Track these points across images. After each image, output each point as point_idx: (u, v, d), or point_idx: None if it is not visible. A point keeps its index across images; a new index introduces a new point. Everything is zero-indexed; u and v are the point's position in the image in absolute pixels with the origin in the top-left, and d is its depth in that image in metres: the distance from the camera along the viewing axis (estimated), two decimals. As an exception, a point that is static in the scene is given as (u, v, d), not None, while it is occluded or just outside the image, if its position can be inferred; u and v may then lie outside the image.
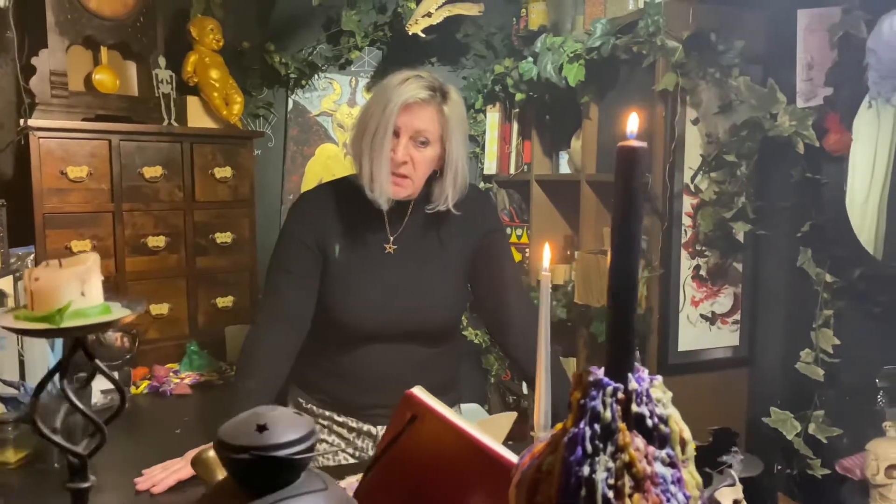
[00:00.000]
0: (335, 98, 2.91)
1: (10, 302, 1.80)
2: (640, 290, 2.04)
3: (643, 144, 0.55)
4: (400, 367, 1.50)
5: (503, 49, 2.98)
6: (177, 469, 1.33)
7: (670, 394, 0.58)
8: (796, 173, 1.90)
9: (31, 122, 1.97)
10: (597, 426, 0.56)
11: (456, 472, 0.76)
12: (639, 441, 0.55)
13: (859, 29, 1.71)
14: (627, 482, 0.54)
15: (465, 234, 1.55)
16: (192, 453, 1.25)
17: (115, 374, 1.95)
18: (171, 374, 2.12)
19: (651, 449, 0.56)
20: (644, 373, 0.57)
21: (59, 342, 1.92)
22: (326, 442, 1.59)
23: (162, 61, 2.27)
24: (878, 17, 1.63)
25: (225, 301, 2.40)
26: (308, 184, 2.84)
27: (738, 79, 1.91)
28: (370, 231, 1.51)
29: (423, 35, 2.61)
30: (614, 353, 0.57)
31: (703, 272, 2.05)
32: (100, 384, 1.95)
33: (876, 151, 1.79)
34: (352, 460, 1.56)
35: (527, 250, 2.82)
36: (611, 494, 0.54)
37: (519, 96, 2.65)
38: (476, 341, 3.03)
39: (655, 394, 0.57)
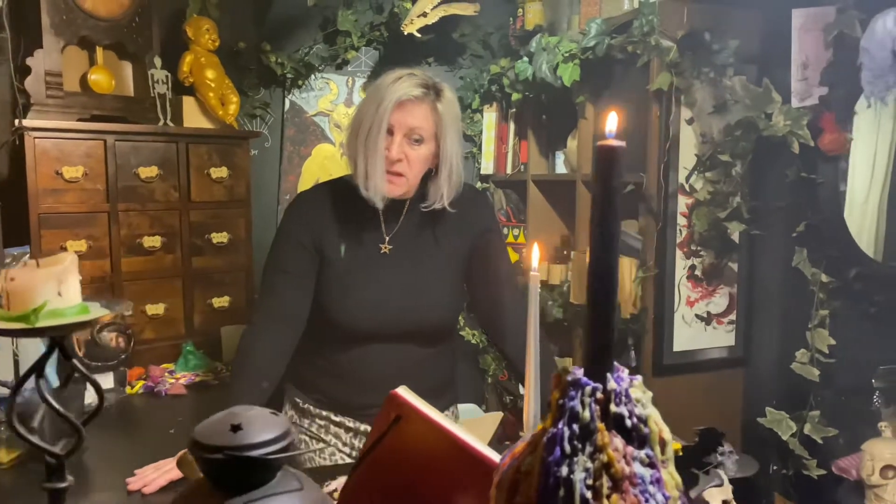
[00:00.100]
0: (332, 98, 2.91)
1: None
2: (634, 291, 2.04)
3: (621, 144, 0.55)
4: (396, 366, 1.50)
5: (500, 49, 2.98)
6: (168, 469, 1.33)
7: (650, 394, 0.58)
8: (791, 173, 1.90)
9: (27, 123, 1.97)
10: (575, 426, 0.55)
11: (440, 472, 0.76)
12: (617, 441, 0.55)
13: (854, 28, 1.70)
14: (605, 482, 0.54)
15: (460, 233, 1.55)
16: (182, 454, 1.25)
17: (111, 375, 1.96)
18: (166, 374, 2.12)
19: (630, 449, 0.56)
20: (623, 373, 0.57)
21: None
22: (323, 441, 1.58)
23: (158, 61, 2.27)
24: (873, 17, 1.63)
25: (221, 301, 2.40)
26: (305, 184, 2.84)
27: (733, 78, 1.90)
28: (366, 231, 1.51)
29: (418, 35, 2.61)
30: (593, 352, 0.56)
31: (698, 272, 2.05)
32: (95, 384, 1.96)
33: (876, 151, 1.79)
34: (348, 460, 1.56)
35: (524, 250, 2.82)
36: (589, 495, 0.54)
37: (515, 96, 2.65)
38: (473, 341, 3.03)
39: (635, 394, 0.57)
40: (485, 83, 2.91)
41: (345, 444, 1.57)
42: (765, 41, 2.03)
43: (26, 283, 0.54)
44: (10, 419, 0.56)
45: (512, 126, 2.85)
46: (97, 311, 0.59)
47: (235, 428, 0.52)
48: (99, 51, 2.20)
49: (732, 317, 2.13)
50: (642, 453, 0.56)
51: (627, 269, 2.07)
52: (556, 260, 2.54)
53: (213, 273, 2.39)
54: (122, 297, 2.15)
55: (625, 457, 0.55)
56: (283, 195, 2.86)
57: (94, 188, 2.12)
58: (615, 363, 0.58)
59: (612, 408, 0.55)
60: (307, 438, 1.60)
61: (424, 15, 2.53)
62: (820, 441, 1.89)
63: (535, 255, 1.03)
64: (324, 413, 1.58)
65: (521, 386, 2.72)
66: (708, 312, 2.09)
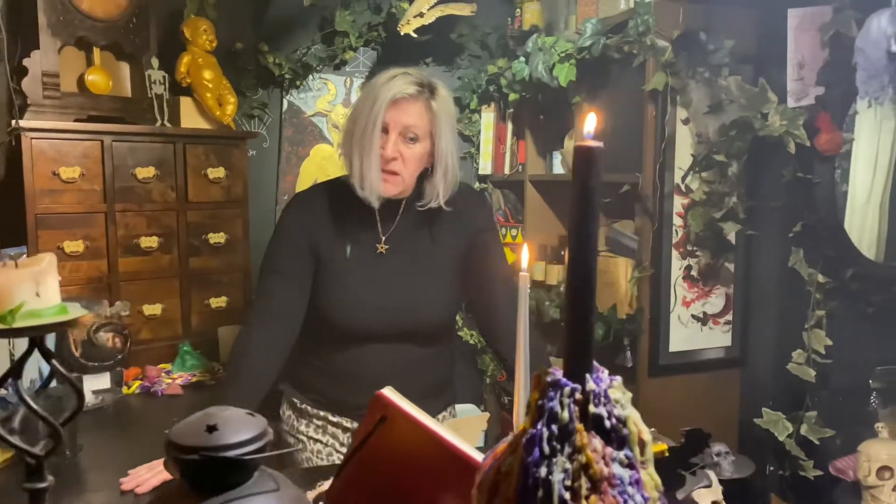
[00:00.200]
0: (330, 98, 2.91)
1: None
2: (630, 291, 2.04)
3: (599, 145, 0.55)
4: (394, 367, 1.50)
5: (498, 49, 2.98)
6: (162, 469, 1.33)
7: (629, 395, 0.58)
8: (788, 173, 1.89)
9: (24, 123, 1.97)
10: (554, 427, 0.55)
11: (425, 473, 0.76)
12: (596, 442, 0.55)
13: (850, 28, 1.70)
14: (584, 483, 0.54)
15: (456, 233, 1.55)
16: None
17: (108, 375, 1.96)
18: (163, 374, 2.12)
19: (609, 450, 0.55)
20: (603, 373, 0.57)
21: (51, 341, 1.93)
22: (321, 442, 1.59)
23: (155, 62, 2.27)
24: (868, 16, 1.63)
25: (218, 301, 2.40)
26: (303, 184, 2.84)
27: (729, 78, 1.90)
28: (362, 231, 1.51)
29: (414, 35, 2.61)
30: (572, 353, 0.56)
31: (694, 272, 2.05)
32: (91, 384, 1.97)
33: (878, 151, 1.78)
34: (347, 460, 1.56)
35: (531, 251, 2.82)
36: (567, 496, 0.54)
37: (513, 96, 2.65)
38: (471, 342, 3.03)
39: (614, 394, 0.57)
40: (482, 83, 2.91)
41: (342, 445, 1.57)
42: (761, 41, 2.03)
43: (3, 283, 0.54)
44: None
45: (510, 126, 2.85)
46: (76, 311, 0.59)
47: (211, 429, 0.52)
48: (96, 51, 2.20)
49: (729, 317, 2.13)
50: (621, 454, 0.56)
51: (623, 270, 2.07)
52: (553, 260, 2.54)
53: (211, 273, 2.39)
54: (119, 298, 2.16)
55: (604, 458, 0.55)
56: (282, 195, 2.86)
57: (91, 189, 2.12)
58: (595, 364, 0.58)
59: (592, 408, 0.55)
60: (304, 439, 1.61)
61: (421, 15, 2.53)
62: (816, 442, 1.88)
63: (525, 256, 1.03)
64: (321, 413, 1.58)
65: (518, 386, 2.72)
66: (704, 313, 2.09)
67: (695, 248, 2.03)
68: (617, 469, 0.55)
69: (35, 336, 0.57)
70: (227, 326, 2.31)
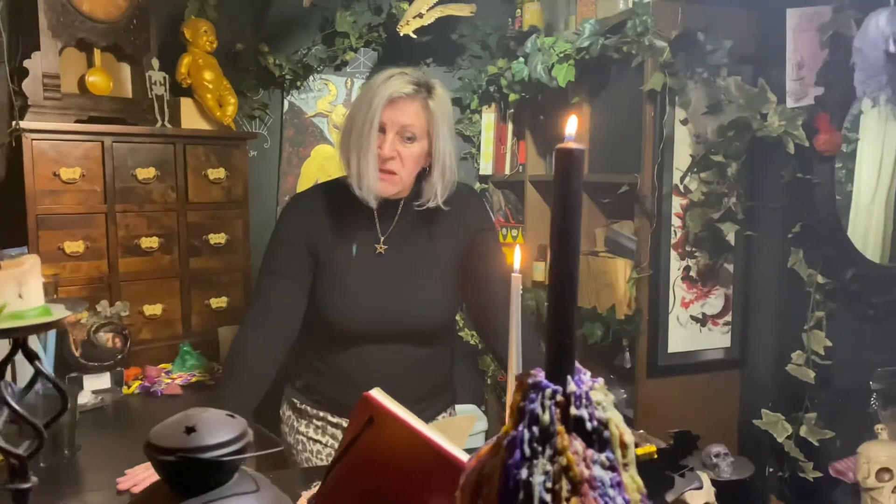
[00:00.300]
0: (331, 99, 2.92)
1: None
2: (629, 291, 2.04)
3: (581, 147, 0.55)
4: (394, 367, 1.50)
5: (499, 50, 2.98)
6: (157, 469, 1.33)
7: (612, 397, 0.58)
8: (787, 173, 1.89)
9: (24, 124, 1.98)
10: (535, 429, 0.55)
11: (413, 474, 0.76)
12: (577, 444, 0.55)
13: (849, 28, 1.69)
14: (565, 486, 0.54)
15: (455, 232, 1.54)
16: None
17: (108, 375, 1.97)
18: (162, 374, 2.13)
19: (590, 452, 0.55)
20: (584, 375, 0.57)
21: (51, 342, 1.94)
22: (320, 443, 1.59)
23: (155, 63, 2.28)
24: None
25: (219, 302, 2.41)
26: (303, 185, 2.84)
27: (728, 79, 1.90)
28: (361, 232, 1.51)
29: (414, 36, 2.61)
30: (554, 355, 0.56)
31: (693, 273, 2.04)
32: (91, 384, 1.98)
33: (883, 151, 1.77)
34: (345, 461, 1.56)
35: (526, 251, 2.82)
36: (548, 498, 0.54)
37: (513, 97, 2.65)
38: (472, 342, 3.02)
39: (596, 397, 0.57)
40: (483, 84, 2.91)
41: (342, 445, 1.57)
42: (760, 41, 2.03)
43: (-14, 285, 0.54)
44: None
45: (510, 127, 2.85)
46: (59, 312, 0.59)
47: (189, 430, 0.53)
48: (97, 52, 2.21)
49: (728, 318, 2.12)
50: (603, 456, 0.56)
51: (622, 270, 2.07)
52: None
53: (211, 274, 2.40)
54: (120, 298, 2.17)
55: (584, 460, 0.55)
56: (282, 196, 2.86)
57: (91, 189, 2.13)
58: (577, 365, 0.58)
59: (573, 411, 0.55)
60: (304, 439, 1.61)
61: (420, 16, 2.53)
62: (816, 443, 1.88)
63: (518, 257, 1.04)
64: (321, 414, 1.58)
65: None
66: (703, 314, 2.08)
67: (693, 249, 2.03)
68: (598, 471, 0.55)
69: (18, 337, 0.58)
70: (228, 327, 2.31)
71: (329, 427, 1.58)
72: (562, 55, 2.21)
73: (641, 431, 0.94)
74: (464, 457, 0.74)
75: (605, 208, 2.36)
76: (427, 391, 1.58)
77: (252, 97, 2.77)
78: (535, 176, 2.73)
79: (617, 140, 2.18)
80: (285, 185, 2.88)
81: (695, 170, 1.96)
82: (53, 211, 2.06)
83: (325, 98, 2.91)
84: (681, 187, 1.99)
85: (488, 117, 2.94)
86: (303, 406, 1.60)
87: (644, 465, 0.85)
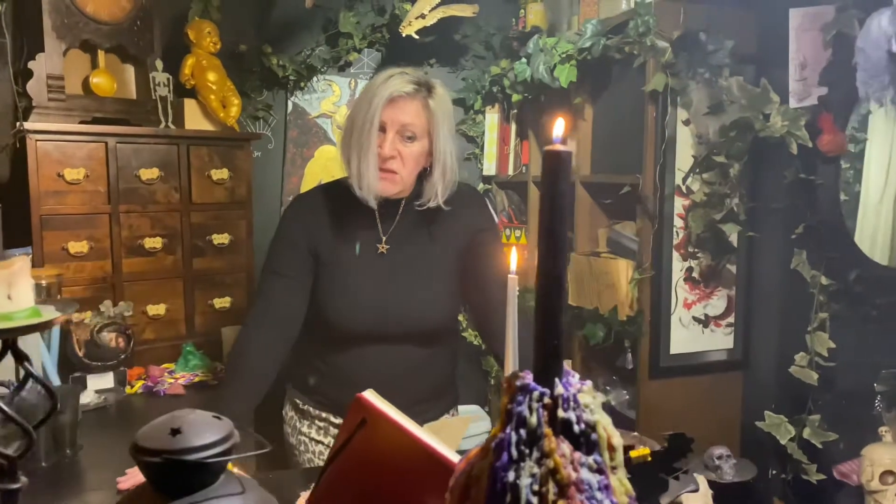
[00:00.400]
0: (334, 100, 2.92)
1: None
2: (631, 292, 2.03)
3: (568, 149, 0.55)
4: (395, 368, 1.51)
5: (502, 50, 2.97)
6: (157, 469, 1.34)
7: (600, 399, 0.58)
8: (790, 174, 1.88)
9: (28, 125, 1.99)
10: (523, 431, 0.55)
11: (406, 475, 0.76)
12: (565, 447, 0.55)
13: (853, 28, 1.68)
14: (552, 488, 0.54)
15: (456, 232, 1.54)
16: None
17: (111, 374, 1.97)
18: (165, 374, 2.14)
19: (578, 455, 0.55)
20: (573, 378, 0.57)
21: (55, 342, 1.95)
22: (322, 444, 1.59)
23: (159, 64, 2.29)
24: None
25: (222, 302, 2.42)
26: (307, 185, 2.85)
27: (730, 79, 1.89)
28: (363, 232, 1.51)
29: (416, 37, 2.62)
30: (542, 357, 0.56)
31: (695, 274, 2.03)
32: (94, 384, 1.98)
33: (892, 151, 1.76)
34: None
35: (525, 251, 2.81)
36: (535, 500, 0.54)
37: (516, 97, 2.64)
38: (475, 342, 3.02)
39: (584, 399, 0.57)
40: (486, 84, 2.90)
41: (343, 446, 1.58)
42: (762, 41, 2.02)
43: (-25, 287, 0.54)
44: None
45: (513, 127, 2.85)
46: (49, 314, 0.59)
47: (175, 432, 0.53)
48: (101, 54, 2.23)
49: (731, 319, 2.11)
50: (590, 459, 0.56)
51: (624, 271, 2.06)
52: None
53: (214, 274, 2.41)
54: (123, 298, 2.18)
55: (572, 462, 0.55)
56: (286, 196, 2.87)
57: (95, 190, 2.14)
58: (566, 367, 0.58)
59: (560, 413, 0.55)
60: (306, 440, 1.61)
61: (423, 17, 2.53)
62: (819, 446, 1.87)
63: (514, 258, 1.04)
64: (323, 415, 1.58)
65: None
66: (706, 315, 2.07)
67: (696, 250, 2.02)
68: (585, 474, 0.55)
69: (7, 339, 0.58)
70: (231, 327, 2.32)
71: (331, 428, 1.58)
72: (564, 56, 2.21)
73: (636, 434, 0.93)
74: (455, 458, 0.74)
75: (607, 209, 2.35)
76: (429, 392, 1.58)
77: (256, 98, 2.78)
78: (538, 176, 2.70)
79: (619, 140, 2.17)
80: (289, 185, 2.89)
81: (697, 170, 1.95)
82: (57, 211, 2.08)
83: (329, 99, 2.92)
84: (683, 188, 1.99)
85: (492, 118, 2.93)
86: (305, 407, 1.61)
87: (638, 468, 0.85)
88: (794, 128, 1.81)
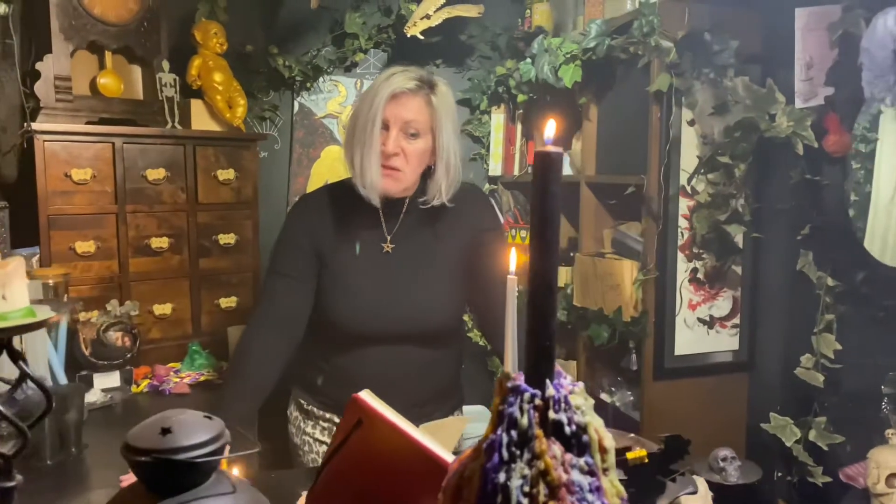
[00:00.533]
0: (340, 100, 2.93)
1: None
2: (635, 293, 2.02)
3: (559, 150, 0.55)
4: (399, 369, 1.51)
5: (508, 50, 2.97)
6: (160, 468, 1.34)
7: (591, 401, 0.58)
8: (795, 175, 1.87)
9: (36, 126, 2.01)
10: (514, 433, 0.55)
11: (401, 476, 0.76)
12: (556, 448, 0.55)
13: (859, 27, 1.67)
14: (542, 490, 0.54)
15: (460, 230, 1.54)
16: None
17: (117, 373, 1.99)
18: (171, 373, 2.15)
19: (569, 457, 0.55)
20: (565, 379, 0.57)
21: (62, 341, 1.96)
22: (326, 444, 1.59)
23: (166, 65, 2.30)
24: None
25: (228, 301, 2.43)
26: (313, 186, 2.86)
27: (735, 79, 1.88)
28: (368, 232, 1.52)
29: (421, 37, 2.62)
30: (533, 358, 0.56)
31: (700, 275, 2.02)
32: (101, 382, 2.00)
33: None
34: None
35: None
36: (525, 502, 0.54)
37: (521, 98, 2.64)
38: (481, 343, 3.02)
39: (575, 401, 0.57)
40: (492, 85, 2.90)
41: (347, 446, 1.58)
42: (768, 41, 2.01)
43: (-30, 287, 0.55)
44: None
45: (519, 127, 2.84)
46: (44, 314, 0.60)
47: (165, 431, 0.53)
48: (108, 55, 2.24)
49: (736, 320, 2.10)
50: (582, 461, 0.56)
51: (628, 272, 2.05)
52: (561, 262, 2.53)
53: (221, 274, 2.42)
54: (130, 298, 2.19)
55: (563, 464, 0.55)
56: (293, 197, 2.88)
57: (102, 190, 2.16)
58: (558, 369, 0.58)
59: (551, 415, 0.55)
60: (311, 440, 1.62)
61: (428, 17, 2.53)
62: (825, 448, 1.85)
63: (513, 259, 1.03)
64: (327, 415, 1.59)
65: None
66: (711, 316, 2.06)
67: (701, 251, 2.01)
68: (576, 476, 0.55)
69: (2, 338, 0.59)
70: (237, 326, 2.33)
71: (335, 429, 1.58)
72: (568, 56, 2.21)
73: (633, 435, 0.93)
74: (451, 458, 0.74)
75: (612, 209, 2.35)
76: (434, 393, 1.58)
77: (262, 99, 2.79)
78: (543, 177, 2.72)
79: (624, 141, 2.16)
80: (295, 185, 2.90)
81: (702, 171, 1.94)
82: (65, 211, 2.09)
83: (335, 99, 2.92)
84: (688, 188, 1.98)
85: (497, 118, 2.93)
86: (309, 407, 1.61)
87: (636, 470, 0.85)
88: (799, 128, 1.80)
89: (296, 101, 2.87)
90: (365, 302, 1.49)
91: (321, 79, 2.87)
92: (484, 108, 3.02)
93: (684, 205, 1.99)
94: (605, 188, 2.31)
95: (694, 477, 0.95)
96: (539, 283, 0.56)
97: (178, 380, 2.10)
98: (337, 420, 1.57)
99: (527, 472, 0.54)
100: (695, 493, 0.89)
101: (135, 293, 2.22)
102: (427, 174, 1.50)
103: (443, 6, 2.58)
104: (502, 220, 2.92)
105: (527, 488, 0.54)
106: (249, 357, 1.48)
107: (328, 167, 2.93)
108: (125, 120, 2.25)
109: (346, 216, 1.52)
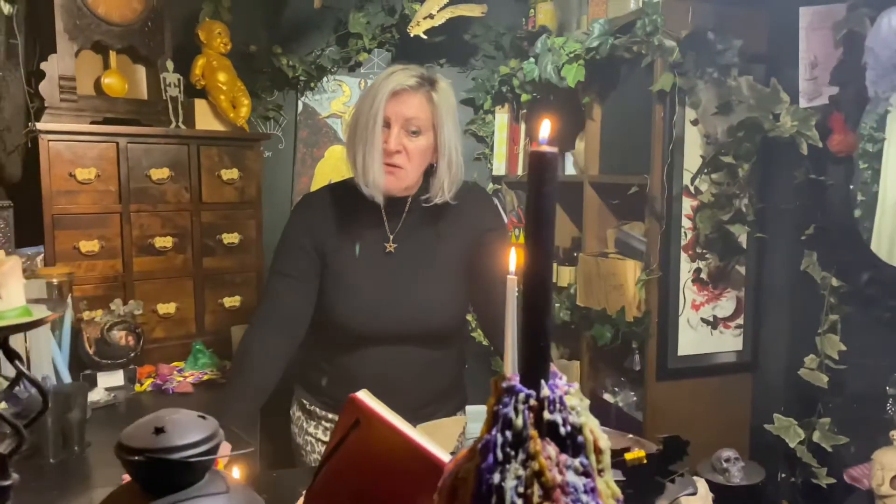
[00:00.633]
0: (344, 100, 2.93)
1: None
2: (638, 293, 2.02)
3: (554, 150, 0.54)
4: (402, 369, 1.51)
5: (512, 50, 2.97)
6: (162, 466, 1.35)
7: (587, 402, 0.57)
8: (799, 175, 1.86)
9: (41, 126, 2.02)
10: (508, 433, 0.55)
11: (399, 476, 0.76)
12: (551, 449, 0.55)
13: (864, 26, 1.66)
14: (537, 490, 0.54)
15: (462, 229, 1.54)
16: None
17: (121, 372, 1.99)
18: (175, 372, 2.16)
19: (563, 457, 0.55)
20: (560, 380, 0.57)
21: (66, 340, 1.97)
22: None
23: (170, 65, 2.31)
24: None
25: (232, 301, 2.44)
26: (317, 185, 2.86)
27: (739, 78, 1.87)
28: (370, 231, 1.52)
29: (424, 37, 2.62)
30: (528, 359, 0.56)
31: (703, 275, 2.02)
32: (104, 381, 2.01)
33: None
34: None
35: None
36: (520, 503, 0.54)
37: (525, 97, 2.64)
38: (485, 342, 3.02)
39: (570, 401, 0.56)
40: (496, 84, 2.90)
41: (349, 446, 1.58)
42: (772, 40, 2.00)
43: (-33, 286, 0.55)
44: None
45: (523, 127, 2.84)
46: (40, 313, 0.60)
47: (158, 430, 0.53)
48: (112, 55, 2.25)
49: (740, 321, 2.09)
50: (577, 462, 0.55)
51: (632, 272, 2.05)
52: (565, 262, 2.52)
53: (224, 273, 2.42)
54: (134, 297, 2.20)
55: (557, 465, 0.55)
56: (296, 196, 2.88)
57: (106, 189, 2.17)
58: (554, 370, 0.57)
59: (546, 415, 0.55)
60: (313, 440, 1.62)
61: (431, 17, 2.53)
62: (829, 449, 1.84)
63: (513, 258, 1.03)
64: (330, 416, 1.59)
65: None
66: (714, 316, 2.06)
67: (704, 251, 2.01)
68: (571, 477, 0.55)
69: (-3, 337, 0.59)
70: (240, 326, 2.33)
71: (336, 428, 1.58)
72: (571, 55, 2.20)
73: (631, 436, 0.93)
74: (448, 459, 0.74)
75: (615, 209, 2.34)
76: (436, 394, 1.58)
77: (266, 98, 2.80)
78: (547, 176, 2.71)
79: (627, 140, 2.16)
80: (299, 185, 2.91)
81: (705, 171, 1.94)
82: (69, 211, 2.10)
83: (339, 99, 2.93)
84: (691, 188, 1.97)
85: (501, 118, 2.93)
86: (312, 407, 1.61)
87: (635, 471, 0.85)
88: (804, 128, 1.79)
89: (299, 101, 2.88)
90: (367, 302, 1.49)
91: (325, 78, 2.87)
92: (487, 108, 3.01)
93: (688, 205, 1.98)
94: (608, 188, 2.31)
95: (694, 478, 0.94)
96: (534, 283, 0.56)
97: (181, 379, 2.11)
98: (340, 420, 1.57)
99: (521, 472, 0.54)
100: (694, 493, 0.89)
101: (139, 292, 2.23)
102: (429, 172, 1.50)
103: (446, 6, 2.58)
104: (506, 219, 2.91)
105: (521, 489, 0.54)
106: (251, 357, 1.48)
107: (332, 167, 2.93)
108: (129, 120, 2.26)
109: (349, 216, 1.52)
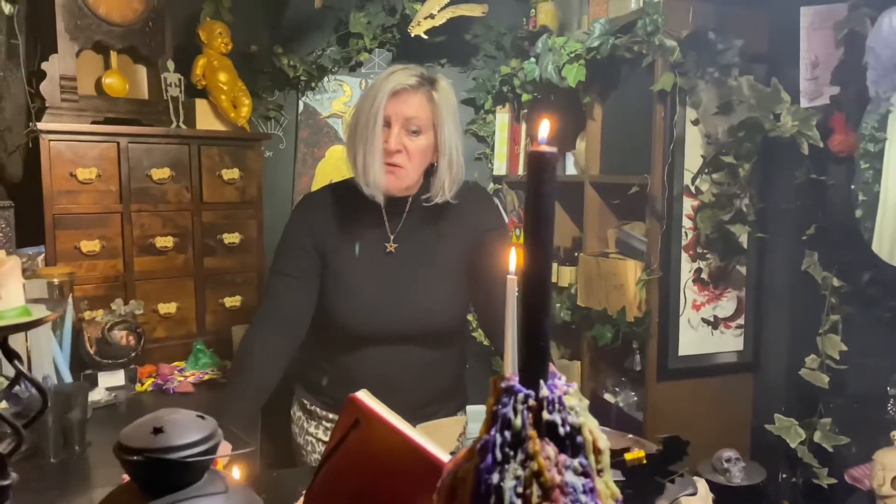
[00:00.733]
0: (345, 100, 2.93)
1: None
2: (639, 293, 2.02)
3: (553, 150, 0.54)
4: (402, 369, 1.51)
5: (513, 50, 2.97)
6: (162, 466, 1.35)
7: (586, 402, 0.57)
8: (800, 175, 1.86)
9: (42, 126, 2.02)
10: (507, 434, 0.55)
11: (398, 476, 0.76)
12: (549, 449, 0.55)
13: (865, 26, 1.66)
14: (535, 491, 0.54)
15: (463, 228, 1.54)
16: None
17: (122, 372, 1.99)
18: (175, 372, 2.16)
19: (562, 458, 0.55)
20: (559, 380, 0.57)
21: (66, 339, 1.97)
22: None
23: (171, 65, 2.31)
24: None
25: (233, 301, 2.44)
26: (318, 185, 2.86)
27: (740, 78, 1.87)
28: (371, 231, 1.52)
29: (425, 37, 2.62)
30: (527, 359, 0.56)
31: (704, 275, 2.02)
32: (105, 381, 2.01)
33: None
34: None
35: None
36: (519, 503, 0.54)
37: (525, 97, 2.64)
38: (486, 342, 3.02)
39: (570, 401, 0.56)
40: (497, 84, 2.90)
41: (350, 446, 1.58)
42: (773, 40, 1.99)
43: (-34, 286, 0.55)
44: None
45: (524, 127, 2.84)
46: (39, 312, 0.60)
47: (157, 430, 0.53)
48: (113, 55, 2.25)
49: (741, 321, 2.09)
50: (576, 462, 0.55)
51: (632, 272, 2.05)
52: (565, 262, 2.52)
53: (225, 273, 2.43)
54: (135, 297, 2.20)
55: (556, 465, 0.54)
56: (297, 196, 2.89)
57: (107, 189, 2.17)
58: (553, 370, 0.57)
59: (545, 415, 0.55)
60: (314, 440, 1.62)
61: (432, 17, 2.53)
62: (830, 449, 1.84)
63: (513, 258, 1.03)
64: (330, 416, 1.59)
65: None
66: (715, 316, 2.05)
67: (705, 251, 2.01)
68: (570, 477, 0.55)
69: (-4, 337, 0.59)
70: (241, 326, 2.33)
71: (336, 428, 1.58)
72: (572, 55, 2.20)
73: (631, 436, 0.93)
74: (447, 459, 0.74)
75: (616, 209, 2.34)
76: (437, 394, 1.58)
77: (267, 98, 2.80)
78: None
79: (628, 140, 2.16)
80: (300, 185, 2.91)
81: (706, 170, 1.93)
82: (70, 211, 2.10)
83: (340, 99, 2.93)
84: (692, 188, 1.97)
85: (502, 118, 2.93)
86: (312, 407, 1.61)
87: (634, 471, 0.85)
88: (804, 128, 1.79)
89: (300, 101, 2.88)
90: (367, 302, 1.49)
91: (326, 78, 2.88)
92: (488, 108, 3.01)
93: (688, 204, 1.98)
94: (608, 188, 2.31)
95: (695, 478, 0.94)
96: (533, 283, 0.56)
97: (182, 379, 2.11)
98: (340, 420, 1.57)
99: (520, 472, 0.54)
100: (694, 494, 0.89)
101: (139, 292, 2.23)
102: (430, 172, 1.50)
103: (447, 5, 2.58)
104: (506, 219, 2.91)
105: (520, 489, 0.54)
106: (252, 357, 1.48)
107: (333, 167, 2.93)
108: (130, 119, 2.26)
109: (349, 216, 1.52)
